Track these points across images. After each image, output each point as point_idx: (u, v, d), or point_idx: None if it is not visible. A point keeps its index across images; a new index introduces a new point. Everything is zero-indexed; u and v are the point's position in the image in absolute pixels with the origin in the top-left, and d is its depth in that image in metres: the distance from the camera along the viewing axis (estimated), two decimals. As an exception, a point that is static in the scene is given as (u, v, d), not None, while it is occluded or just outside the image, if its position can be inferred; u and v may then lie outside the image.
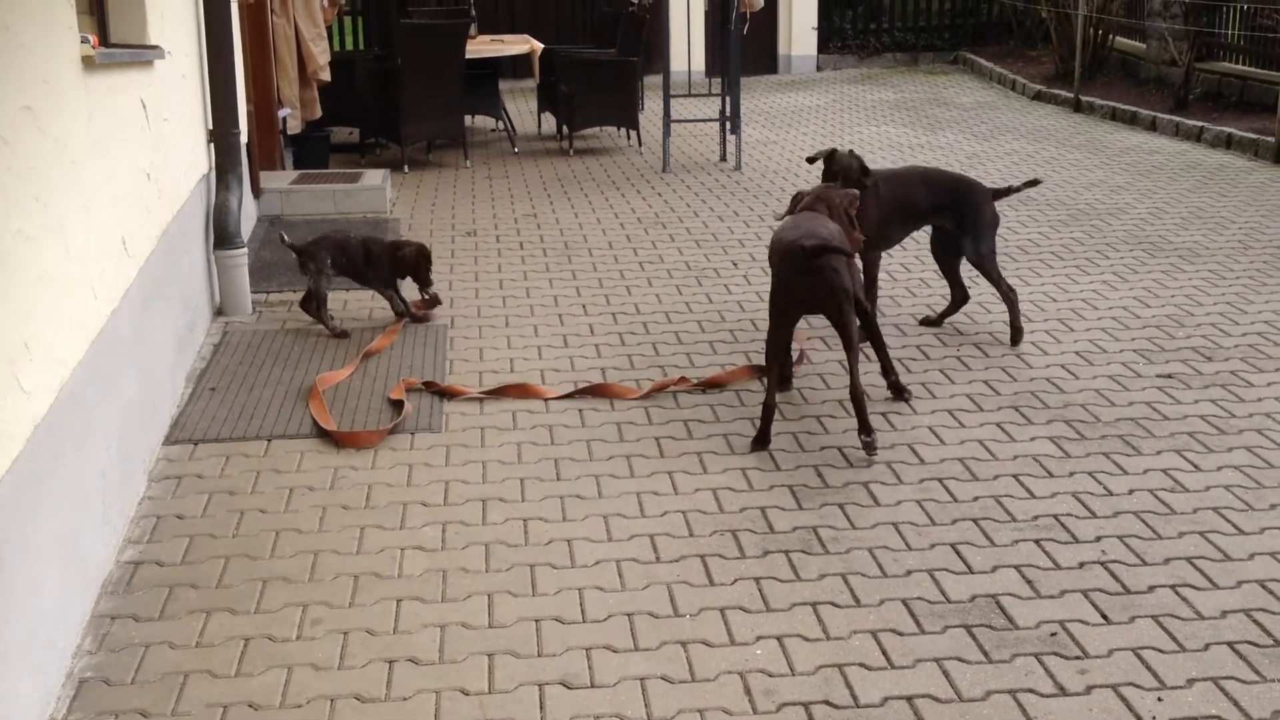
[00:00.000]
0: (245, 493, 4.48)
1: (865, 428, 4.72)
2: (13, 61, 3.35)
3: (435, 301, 6.51)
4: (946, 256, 6.23)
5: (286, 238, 6.38)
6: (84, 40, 4.23)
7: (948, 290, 6.34)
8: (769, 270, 5.13)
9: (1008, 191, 6.19)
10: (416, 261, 6.40)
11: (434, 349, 5.98)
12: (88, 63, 4.19)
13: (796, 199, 5.41)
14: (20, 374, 3.22)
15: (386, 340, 6.04)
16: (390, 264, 6.37)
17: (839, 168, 5.85)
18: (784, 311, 4.88)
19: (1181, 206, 8.99)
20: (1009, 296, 6.05)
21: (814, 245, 4.72)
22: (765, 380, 5.05)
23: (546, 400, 5.34)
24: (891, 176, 6.20)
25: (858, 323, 4.84)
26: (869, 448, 4.72)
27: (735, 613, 3.67)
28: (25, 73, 3.48)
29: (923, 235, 6.79)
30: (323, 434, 4.97)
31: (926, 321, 6.35)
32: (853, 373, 4.75)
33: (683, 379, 5.48)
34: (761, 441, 4.84)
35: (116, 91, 4.69)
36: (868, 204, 5.75)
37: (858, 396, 4.72)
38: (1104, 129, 12.60)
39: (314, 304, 6.22)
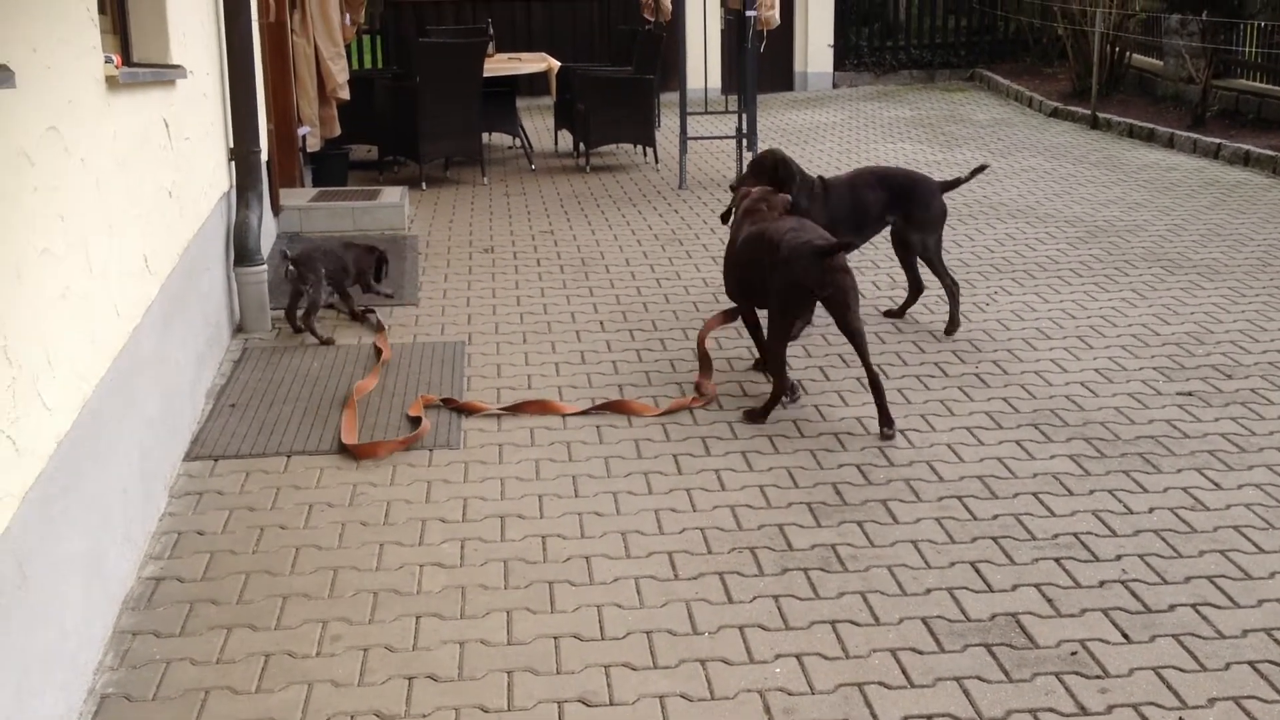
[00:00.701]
0: (265, 509, 4.49)
1: (886, 419, 5.11)
2: (39, 82, 3.39)
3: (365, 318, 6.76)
4: (901, 250, 6.68)
5: (290, 253, 6.49)
6: (108, 60, 4.27)
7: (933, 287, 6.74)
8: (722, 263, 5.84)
9: (956, 183, 6.59)
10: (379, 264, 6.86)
11: (451, 365, 6.00)
12: (111, 82, 4.22)
13: (741, 195, 5.86)
14: (43, 391, 3.24)
15: (386, 348, 6.16)
16: (373, 270, 6.83)
17: (766, 168, 6.28)
18: (792, 308, 5.26)
19: (1200, 223, 8.97)
20: (951, 289, 6.49)
21: (828, 245, 5.08)
22: (771, 377, 5.39)
23: (565, 416, 5.36)
24: (841, 182, 6.57)
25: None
26: (888, 437, 5.09)
27: (754, 631, 3.67)
28: (51, 93, 3.51)
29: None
30: (342, 445, 5.01)
31: (890, 314, 6.74)
32: (867, 364, 5.16)
33: (697, 398, 5.49)
34: (762, 416, 5.27)
35: (139, 110, 4.73)
36: (814, 209, 6.19)
37: (877, 385, 5.12)
38: (1121, 146, 12.58)
39: (309, 313, 6.42)
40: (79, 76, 3.84)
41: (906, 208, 6.48)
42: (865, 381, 5.30)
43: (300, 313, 6.46)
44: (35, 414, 3.16)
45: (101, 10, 4.39)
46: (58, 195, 3.50)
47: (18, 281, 3.10)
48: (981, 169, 6.63)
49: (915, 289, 6.74)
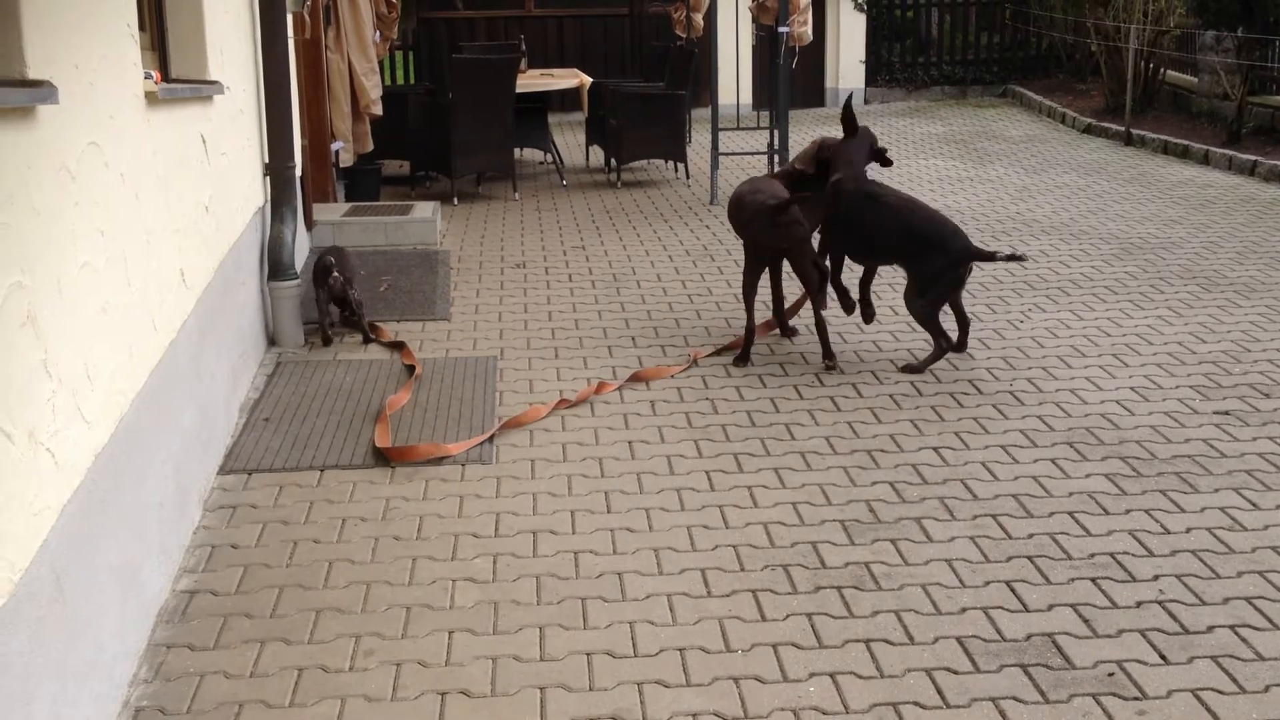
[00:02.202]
0: (299, 523, 4.51)
1: (828, 353, 6.15)
2: (81, 98, 3.42)
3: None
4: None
5: (331, 260, 6.64)
6: (147, 76, 4.31)
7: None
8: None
9: (989, 256, 6.25)
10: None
11: (484, 380, 6.01)
12: (150, 98, 4.26)
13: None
14: (82, 404, 3.27)
15: (417, 363, 6.20)
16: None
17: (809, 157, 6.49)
18: (755, 257, 6.32)
19: (1236, 241, 8.90)
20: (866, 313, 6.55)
21: (777, 203, 5.98)
22: (746, 309, 6.27)
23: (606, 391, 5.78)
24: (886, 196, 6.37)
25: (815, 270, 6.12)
26: (830, 369, 6.10)
27: (788, 649, 3.65)
28: (92, 108, 3.55)
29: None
30: (378, 455, 5.05)
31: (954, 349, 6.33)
32: (815, 305, 6.18)
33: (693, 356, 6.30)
34: (743, 360, 6.21)
35: (178, 126, 4.77)
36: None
37: (821, 326, 6.15)
38: (1156, 163, 12.51)
39: (359, 313, 6.64)
40: (119, 92, 3.88)
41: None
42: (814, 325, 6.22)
43: (346, 315, 6.71)
44: (74, 427, 3.19)
45: (141, 27, 4.43)
46: (98, 210, 3.53)
47: (59, 295, 3.12)
48: (1017, 258, 6.28)
49: (961, 322, 6.24)
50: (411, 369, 6.10)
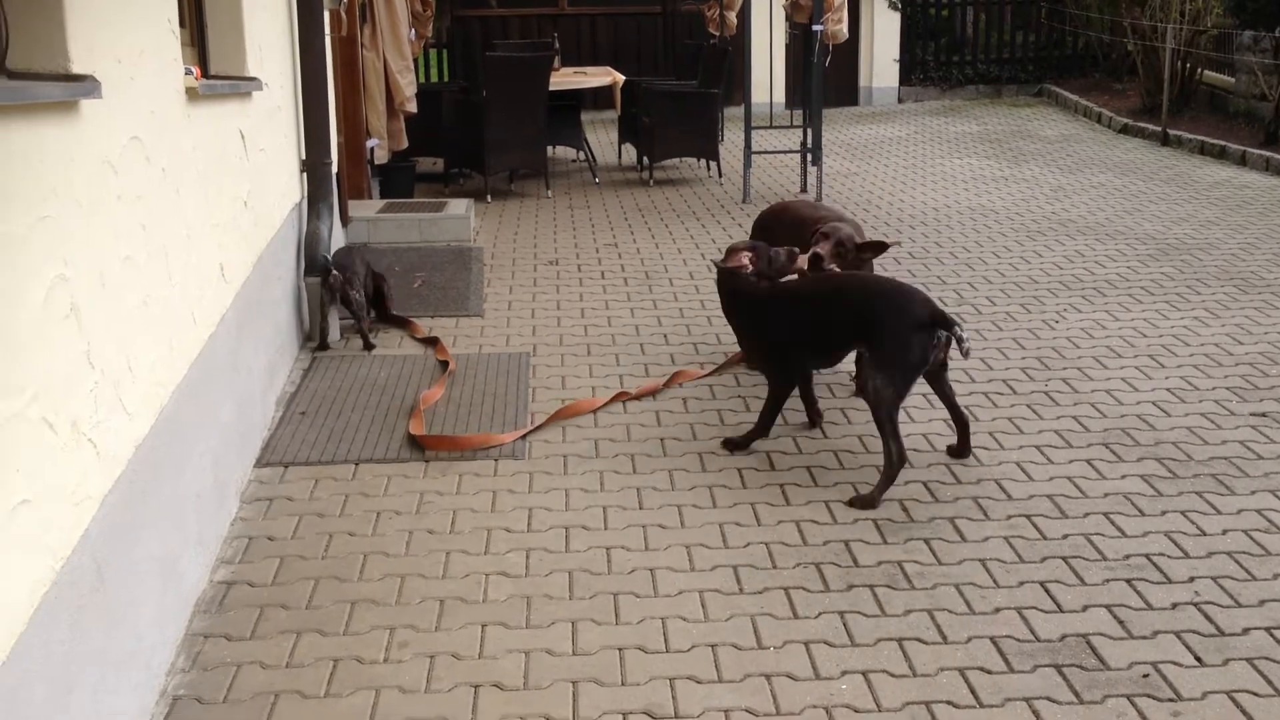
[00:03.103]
0: (334, 515, 4.54)
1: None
2: (123, 93, 3.46)
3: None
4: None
5: (330, 257, 6.63)
6: (188, 72, 4.35)
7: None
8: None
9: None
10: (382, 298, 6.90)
11: (516, 376, 6.03)
12: (191, 94, 4.30)
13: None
14: (124, 396, 3.31)
15: (440, 388, 5.91)
16: (372, 288, 6.82)
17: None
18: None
19: (1273, 242, 8.82)
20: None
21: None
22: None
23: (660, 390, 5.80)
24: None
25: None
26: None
27: (820, 646, 3.65)
28: (134, 103, 3.59)
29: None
30: (414, 447, 5.11)
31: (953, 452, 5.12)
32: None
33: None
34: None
35: (218, 122, 4.81)
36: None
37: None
38: (1192, 163, 12.41)
39: (355, 314, 6.57)
40: (161, 88, 3.92)
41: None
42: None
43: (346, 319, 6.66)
44: (116, 419, 3.23)
45: (181, 23, 4.47)
46: (140, 204, 3.57)
47: (101, 288, 3.16)
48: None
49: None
50: (445, 364, 6.13)
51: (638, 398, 5.71)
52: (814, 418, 5.35)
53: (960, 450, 5.01)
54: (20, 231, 2.64)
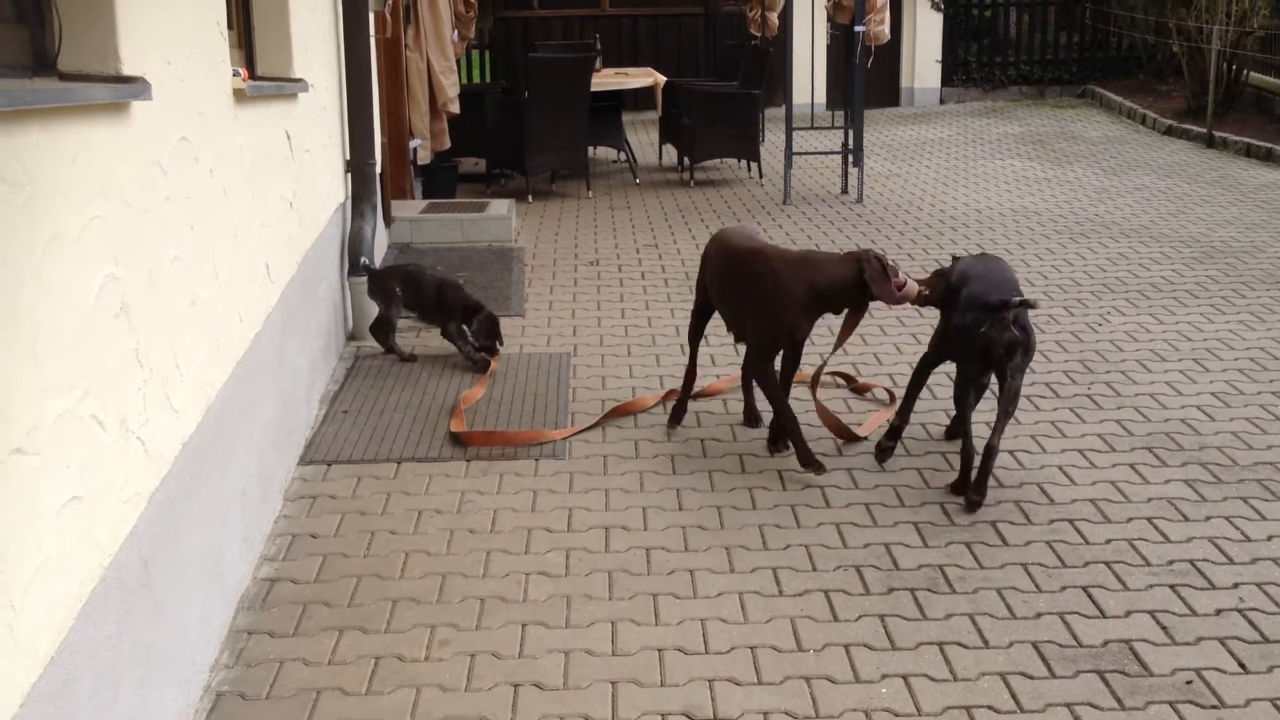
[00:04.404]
0: (376, 514, 4.58)
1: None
2: (172, 94, 3.50)
3: (488, 360, 6.21)
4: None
5: (366, 261, 6.57)
6: (235, 73, 4.40)
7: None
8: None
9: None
10: (491, 330, 6.30)
11: (557, 376, 6.05)
12: (238, 95, 4.35)
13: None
14: (171, 394, 3.35)
15: (481, 388, 5.86)
16: (461, 318, 6.31)
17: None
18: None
19: (1322, 245, 8.72)
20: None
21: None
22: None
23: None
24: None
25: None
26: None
27: (860, 650, 3.65)
28: (183, 104, 3.63)
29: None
30: (456, 445, 5.14)
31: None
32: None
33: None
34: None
35: (264, 122, 4.85)
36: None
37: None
38: (1238, 165, 12.28)
39: (383, 330, 6.37)
40: (209, 89, 3.96)
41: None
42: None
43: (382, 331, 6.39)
44: (164, 417, 3.27)
45: (229, 25, 4.52)
46: (188, 205, 3.61)
47: (150, 288, 3.20)
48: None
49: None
50: (487, 364, 6.16)
51: (702, 395, 5.73)
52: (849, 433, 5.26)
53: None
54: (72, 231, 2.68)
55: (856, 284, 4.76)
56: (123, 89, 3.01)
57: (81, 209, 2.74)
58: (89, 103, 2.81)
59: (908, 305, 4.95)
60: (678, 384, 5.91)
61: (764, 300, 4.86)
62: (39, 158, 2.52)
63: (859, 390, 5.85)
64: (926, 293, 4.86)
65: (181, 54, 3.62)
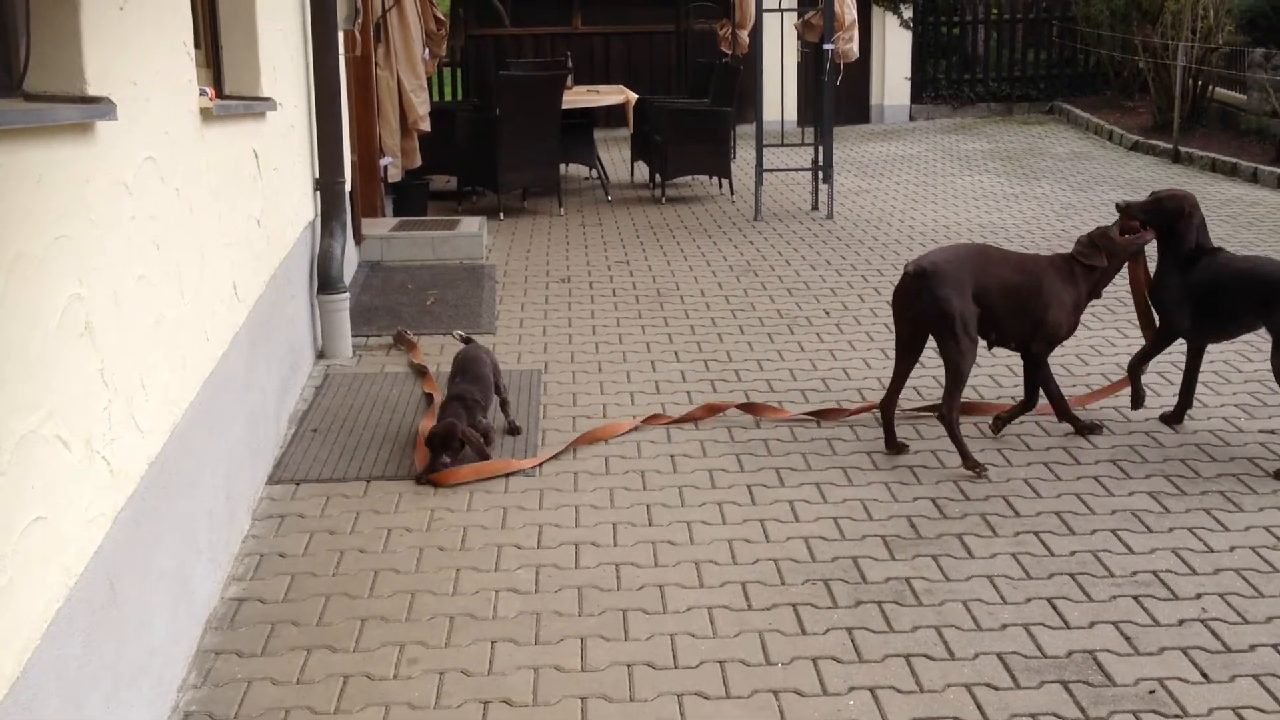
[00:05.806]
0: (345, 532, 4.57)
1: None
2: (138, 114, 3.51)
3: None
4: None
5: (461, 334, 6.19)
6: (202, 93, 4.40)
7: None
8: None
9: None
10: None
11: (528, 394, 6.06)
12: (205, 114, 4.35)
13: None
14: (137, 414, 3.35)
15: (431, 418, 5.59)
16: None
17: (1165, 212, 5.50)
18: (898, 329, 5.38)
19: (1285, 259, 8.81)
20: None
21: (916, 269, 5.08)
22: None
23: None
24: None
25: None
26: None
27: (827, 662, 3.67)
28: (149, 124, 3.63)
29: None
30: (429, 484, 5.02)
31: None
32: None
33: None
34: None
35: (231, 142, 4.86)
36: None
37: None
38: (1204, 180, 12.41)
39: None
40: (175, 109, 3.97)
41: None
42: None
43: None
44: (129, 436, 3.26)
45: (196, 44, 4.53)
46: (154, 224, 3.62)
47: (115, 307, 3.20)
48: None
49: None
50: (430, 396, 5.91)
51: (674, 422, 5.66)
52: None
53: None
54: (37, 251, 2.68)
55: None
56: (88, 109, 3.02)
57: (46, 229, 2.75)
58: (55, 123, 2.82)
59: None
60: (651, 401, 5.93)
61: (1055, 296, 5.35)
62: (4, 178, 2.53)
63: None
64: None
65: (147, 74, 3.63)
